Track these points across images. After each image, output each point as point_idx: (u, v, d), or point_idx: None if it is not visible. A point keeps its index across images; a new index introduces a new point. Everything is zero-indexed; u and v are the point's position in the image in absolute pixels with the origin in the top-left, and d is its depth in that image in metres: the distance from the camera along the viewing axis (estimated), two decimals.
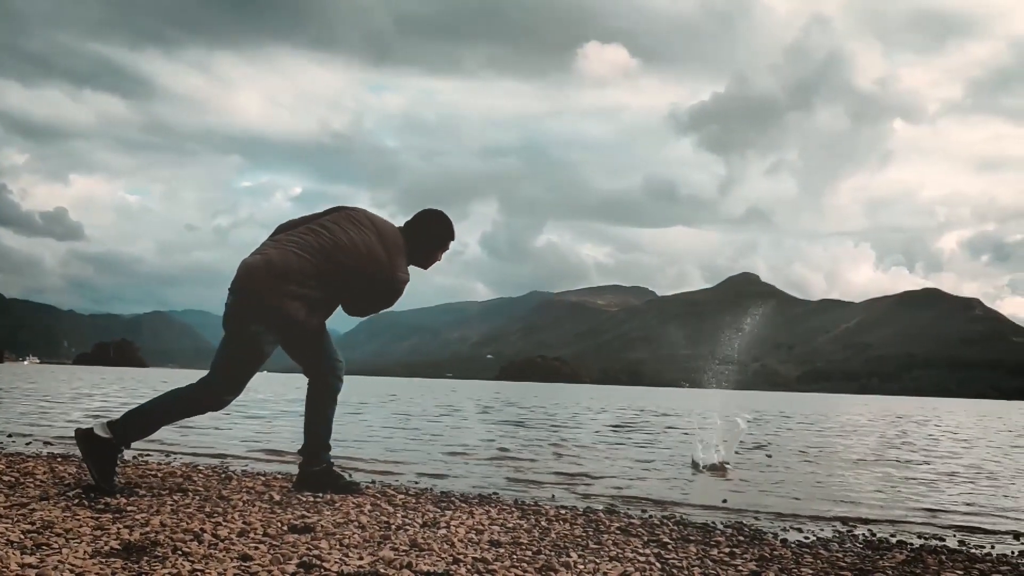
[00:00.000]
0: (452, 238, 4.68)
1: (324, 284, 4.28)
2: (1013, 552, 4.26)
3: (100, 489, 4.07)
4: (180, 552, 2.88)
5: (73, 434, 4.20)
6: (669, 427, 15.00)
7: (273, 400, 19.16)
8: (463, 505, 4.59)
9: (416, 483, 5.83)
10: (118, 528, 3.22)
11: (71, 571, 2.55)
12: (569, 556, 3.30)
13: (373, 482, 5.59)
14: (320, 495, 4.51)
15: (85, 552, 2.80)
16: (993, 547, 4.39)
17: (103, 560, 2.71)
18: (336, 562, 2.87)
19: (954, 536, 4.70)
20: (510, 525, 3.98)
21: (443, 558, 3.07)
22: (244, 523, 3.51)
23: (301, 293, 4.21)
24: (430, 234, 4.63)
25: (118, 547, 2.90)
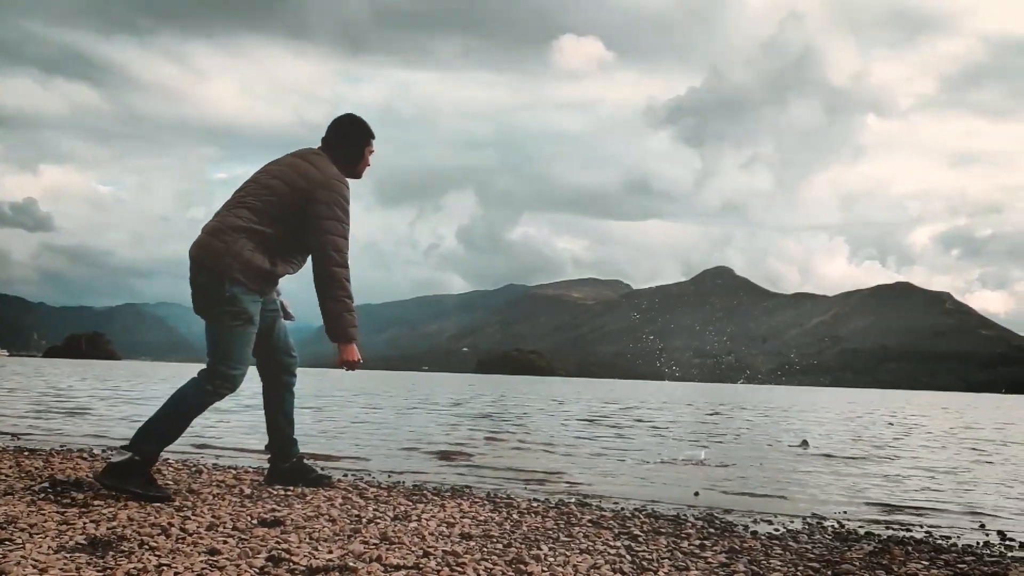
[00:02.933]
0: (372, 134, 4.48)
1: (268, 217, 4.10)
2: (978, 543, 4.32)
3: (156, 499, 3.86)
4: (147, 547, 2.86)
5: (95, 481, 3.97)
6: (640, 420, 15.08)
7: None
8: (435, 498, 4.58)
9: (388, 476, 5.82)
10: (84, 523, 3.18)
11: (34, 566, 2.52)
12: (540, 549, 3.30)
13: (346, 475, 5.57)
14: (291, 488, 4.49)
15: (49, 547, 2.76)
16: (959, 538, 4.45)
17: (67, 555, 2.68)
18: (305, 556, 2.85)
19: (921, 528, 4.76)
20: (481, 518, 3.98)
21: (413, 551, 3.06)
22: (213, 517, 3.49)
23: (254, 243, 4.06)
24: (349, 136, 4.44)
25: (83, 542, 2.87)
